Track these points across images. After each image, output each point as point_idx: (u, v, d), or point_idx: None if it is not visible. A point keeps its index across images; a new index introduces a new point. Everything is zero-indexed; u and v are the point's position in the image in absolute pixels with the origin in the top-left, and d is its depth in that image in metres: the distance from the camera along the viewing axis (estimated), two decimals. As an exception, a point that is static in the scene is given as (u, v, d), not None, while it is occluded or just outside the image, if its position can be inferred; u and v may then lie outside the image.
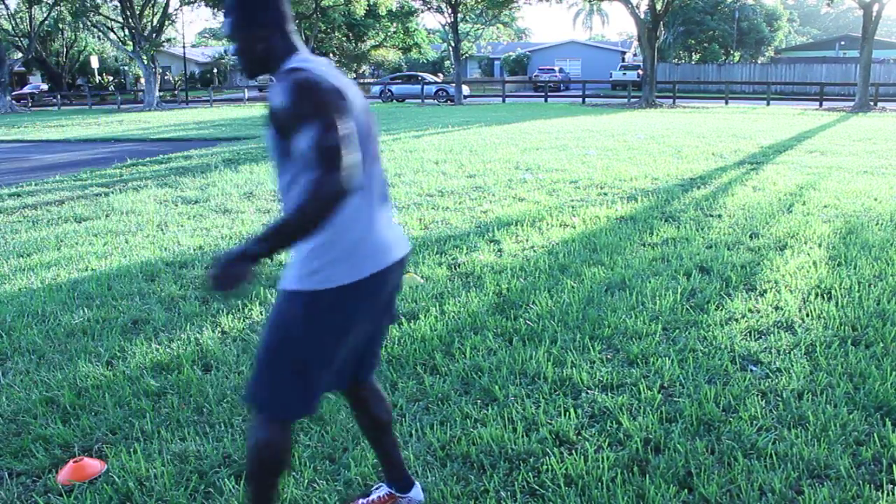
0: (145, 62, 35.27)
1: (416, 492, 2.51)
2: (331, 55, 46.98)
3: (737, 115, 23.11)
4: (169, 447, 2.96)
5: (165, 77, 51.74)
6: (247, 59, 2.09)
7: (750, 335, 4.03)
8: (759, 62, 49.94)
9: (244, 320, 4.43)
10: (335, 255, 2.01)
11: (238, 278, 1.87)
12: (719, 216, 7.09)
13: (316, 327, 2.03)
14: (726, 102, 30.08)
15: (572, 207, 7.63)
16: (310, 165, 1.85)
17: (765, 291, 4.74)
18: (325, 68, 2.03)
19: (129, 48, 36.79)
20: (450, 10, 33.72)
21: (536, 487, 2.63)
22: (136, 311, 4.64)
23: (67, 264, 5.87)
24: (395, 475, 2.47)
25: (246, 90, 40.63)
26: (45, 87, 49.06)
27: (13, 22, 41.13)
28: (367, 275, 2.04)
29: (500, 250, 5.95)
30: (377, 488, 2.56)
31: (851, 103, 26.41)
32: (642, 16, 31.43)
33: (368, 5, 38.50)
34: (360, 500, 2.53)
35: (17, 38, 41.44)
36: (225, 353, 3.91)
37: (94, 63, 46.58)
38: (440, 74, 51.01)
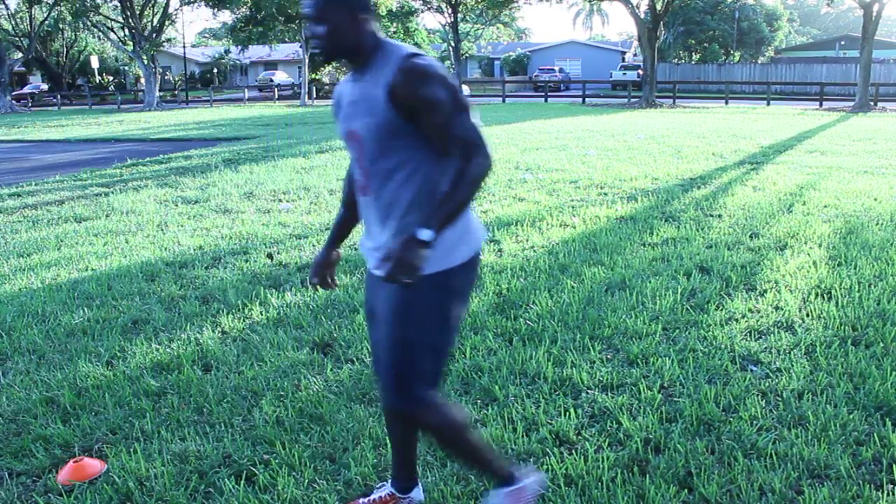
0: (145, 62, 35.29)
1: (418, 492, 2.51)
2: (331, 55, 47.03)
3: (737, 115, 23.12)
4: (169, 447, 2.96)
5: (165, 77, 51.77)
6: (336, 41, 2.03)
7: (750, 335, 4.03)
8: (760, 62, 49.95)
9: (244, 320, 4.43)
10: (457, 231, 2.07)
11: (415, 264, 1.85)
12: (719, 216, 7.09)
13: (448, 305, 2.10)
14: (726, 102, 30.08)
15: (572, 207, 7.63)
16: (451, 147, 1.94)
17: (765, 291, 4.74)
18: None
19: (130, 48, 36.81)
20: (450, 10, 33.76)
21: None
22: (136, 311, 4.64)
23: (67, 264, 5.87)
24: (404, 474, 2.47)
25: (246, 90, 40.64)
26: (45, 87, 49.10)
27: (13, 22, 41.16)
28: (477, 249, 2.14)
29: (500, 250, 5.95)
30: (379, 488, 2.56)
31: (851, 103, 26.42)
32: (642, 16, 31.43)
33: (368, 5, 38.46)
34: (361, 500, 2.53)
35: (17, 38, 41.47)
36: (225, 353, 3.91)
37: (95, 63, 46.60)
38: (440, 74, 50.98)
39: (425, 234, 1.86)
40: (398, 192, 2.06)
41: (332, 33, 2.02)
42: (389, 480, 2.53)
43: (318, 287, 2.50)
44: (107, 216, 7.84)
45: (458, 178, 1.90)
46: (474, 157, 1.92)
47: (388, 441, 2.46)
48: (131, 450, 2.95)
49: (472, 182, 1.91)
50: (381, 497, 2.50)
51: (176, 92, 45.95)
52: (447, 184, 1.92)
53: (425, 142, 2.01)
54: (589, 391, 3.37)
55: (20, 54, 43.16)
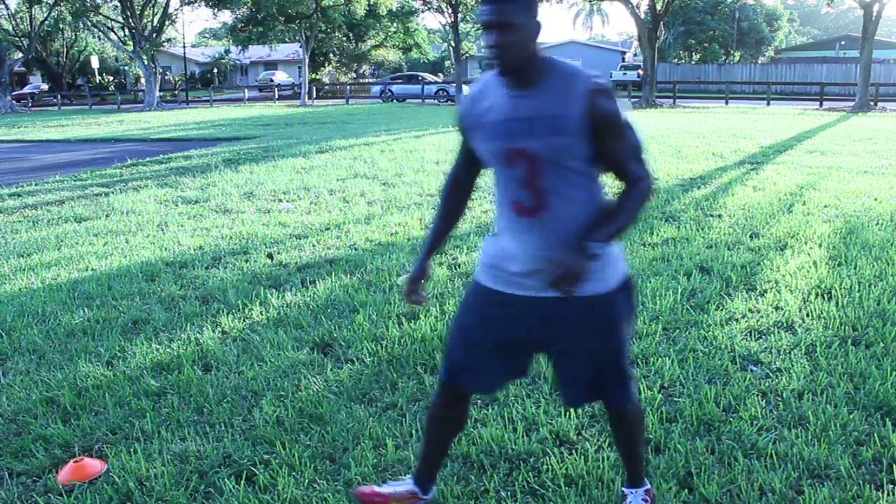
0: (145, 62, 35.29)
1: (433, 492, 2.52)
2: (331, 55, 47.01)
3: (737, 115, 23.12)
4: (169, 447, 2.96)
5: (165, 77, 51.77)
6: (521, 50, 1.92)
7: (750, 335, 4.03)
8: (760, 62, 49.94)
9: (244, 320, 4.43)
10: (619, 246, 2.18)
11: (581, 275, 1.89)
12: (719, 216, 7.09)
13: (634, 310, 2.23)
14: (726, 102, 30.08)
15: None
16: (628, 169, 2.03)
17: (765, 291, 4.74)
18: None
19: (130, 48, 36.82)
20: (450, 10, 33.73)
21: (537, 487, 2.63)
22: (136, 311, 4.64)
23: (67, 264, 5.87)
24: (430, 476, 2.49)
25: (246, 90, 40.65)
26: (45, 87, 49.10)
27: (13, 22, 41.15)
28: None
29: (500, 250, 5.94)
30: (399, 482, 2.54)
31: (852, 103, 26.40)
32: (642, 16, 31.43)
33: (369, 5, 38.49)
34: (378, 489, 2.49)
35: (17, 38, 41.47)
36: (225, 353, 3.91)
37: (95, 63, 46.61)
38: (440, 74, 51.03)
39: (597, 247, 1.92)
40: (575, 213, 2.04)
41: (519, 42, 1.91)
42: (413, 478, 2.49)
43: (415, 303, 2.45)
44: (107, 216, 7.84)
45: (631, 197, 2.02)
46: (644, 180, 2.04)
47: (425, 442, 2.43)
48: (131, 450, 2.95)
49: (642, 203, 2.03)
50: (403, 492, 2.47)
51: (176, 92, 45.95)
52: (619, 201, 2.02)
53: (595, 162, 2.05)
54: (589, 391, 3.36)
55: (20, 54, 43.17)
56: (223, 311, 4.57)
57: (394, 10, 41.11)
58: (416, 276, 2.38)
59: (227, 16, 46.68)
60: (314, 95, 36.95)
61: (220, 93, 46.50)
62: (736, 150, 12.46)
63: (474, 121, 2.10)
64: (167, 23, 37.42)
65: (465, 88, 35.08)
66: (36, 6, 39.40)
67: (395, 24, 42.49)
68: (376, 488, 2.51)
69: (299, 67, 42.98)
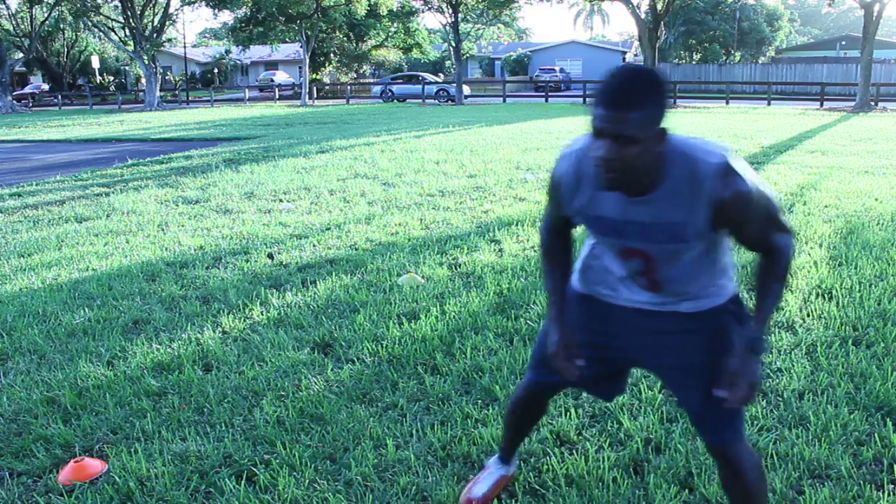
0: (146, 62, 35.30)
1: (515, 461, 2.64)
2: (332, 55, 47.00)
3: (738, 114, 23.11)
4: (170, 447, 2.97)
5: (166, 77, 51.78)
6: (636, 166, 1.66)
7: (751, 335, 4.02)
8: (760, 62, 49.93)
9: (245, 320, 4.44)
10: None
11: (759, 382, 1.85)
12: (720, 216, 7.08)
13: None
14: (727, 102, 30.07)
15: (573, 207, 7.62)
16: (770, 244, 1.85)
17: (765, 291, 4.73)
18: None
19: (130, 48, 36.84)
20: (450, 10, 33.73)
21: (537, 487, 2.63)
22: (136, 311, 4.64)
23: (68, 264, 5.87)
24: (512, 455, 2.59)
25: (247, 90, 40.65)
26: (45, 87, 49.11)
27: (14, 22, 41.17)
28: None
29: (500, 250, 5.95)
30: (489, 471, 2.59)
31: (852, 103, 26.40)
32: (643, 16, 31.44)
33: (369, 5, 38.50)
34: (477, 491, 2.53)
35: (17, 38, 41.49)
36: (226, 353, 3.91)
37: (95, 63, 46.64)
38: (441, 74, 51.03)
39: (761, 346, 1.84)
40: (687, 274, 1.92)
41: (637, 157, 1.64)
42: (497, 459, 2.60)
43: (571, 371, 2.08)
44: (107, 216, 7.85)
45: (776, 274, 1.85)
46: (786, 248, 1.85)
47: (507, 432, 2.54)
48: (132, 450, 2.95)
49: (788, 274, 1.87)
50: (495, 482, 2.56)
51: (177, 92, 45.95)
52: (766, 284, 1.85)
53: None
54: (589, 391, 3.36)
55: (21, 54, 43.18)
56: (224, 311, 4.58)
57: (394, 10, 41.10)
58: (566, 339, 2.07)
59: (227, 16, 46.72)
60: (315, 95, 36.96)
61: (220, 93, 46.52)
62: (737, 150, 12.45)
63: (576, 206, 1.92)
64: (168, 23, 37.43)
65: (466, 88, 35.12)
66: (37, 6, 39.41)
67: (395, 24, 42.49)
68: (474, 493, 2.52)
69: (300, 67, 43.00)
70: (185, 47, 48.74)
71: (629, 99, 1.59)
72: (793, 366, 3.58)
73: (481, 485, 2.55)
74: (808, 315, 4.31)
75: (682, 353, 1.99)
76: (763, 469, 2.10)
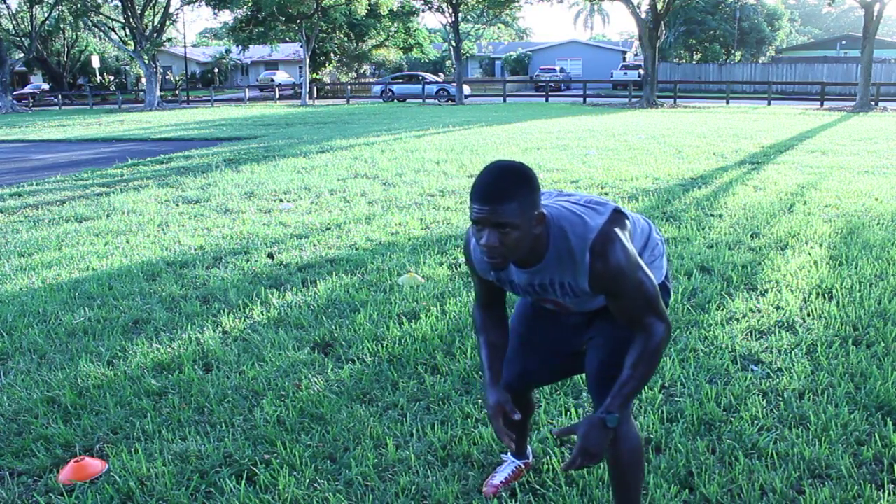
0: (146, 62, 35.30)
1: (528, 451, 2.73)
2: (332, 55, 46.99)
3: (738, 114, 23.11)
4: (170, 447, 2.97)
5: (166, 77, 51.78)
6: (517, 248, 1.82)
7: (751, 335, 4.03)
8: (761, 62, 49.92)
9: (245, 320, 4.44)
10: None
11: (600, 454, 1.91)
12: (720, 216, 7.09)
13: None
14: (727, 102, 30.07)
15: (573, 207, 7.62)
16: (637, 326, 1.96)
17: (766, 291, 4.74)
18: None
19: (131, 48, 36.84)
20: (451, 10, 33.72)
21: (538, 487, 2.63)
22: (137, 311, 4.64)
23: (68, 264, 5.88)
24: (521, 447, 2.67)
25: (247, 90, 40.65)
26: (46, 86, 49.10)
27: (14, 22, 41.17)
28: None
29: (500, 250, 5.94)
30: (503, 465, 2.67)
31: (852, 103, 26.39)
32: (643, 15, 31.41)
33: (369, 5, 38.49)
34: (493, 482, 2.61)
35: (18, 38, 41.48)
36: (226, 353, 3.91)
37: (95, 63, 46.61)
38: (441, 74, 51.02)
39: (612, 421, 1.89)
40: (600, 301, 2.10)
41: (517, 240, 1.80)
42: (510, 455, 2.69)
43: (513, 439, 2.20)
44: (108, 216, 7.85)
45: (643, 357, 1.89)
46: (657, 335, 1.90)
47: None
48: (132, 449, 2.95)
49: (656, 360, 1.90)
50: (513, 472, 2.64)
51: (177, 92, 45.96)
52: (629, 363, 1.91)
53: None
54: (590, 391, 3.36)
55: (21, 54, 43.18)
56: (224, 311, 4.58)
57: (394, 9, 41.08)
58: (503, 400, 2.11)
59: (227, 15, 46.65)
60: (315, 95, 36.94)
61: (220, 93, 46.51)
62: (737, 150, 12.45)
63: (492, 276, 2.11)
64: (168, 23, 37.42)
65: (466, 88, 35.12)
66: (37, 6, 39.40)
67: (395, 24, 42.46)
68: (493, 482, 2.61)
69: (300, 67, 43.01)
70: (185, 47, 48.72)
71: (501, 193, 1.76)
72: (793, 365, 3.58)
73: (499, 475, 2.64)
74: (809, 315, 4.31)
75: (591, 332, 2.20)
76: (639, 454, 2.15)
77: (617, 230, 1.89)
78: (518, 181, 1.78)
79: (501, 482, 2.62)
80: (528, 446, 2.75)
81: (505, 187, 1.76)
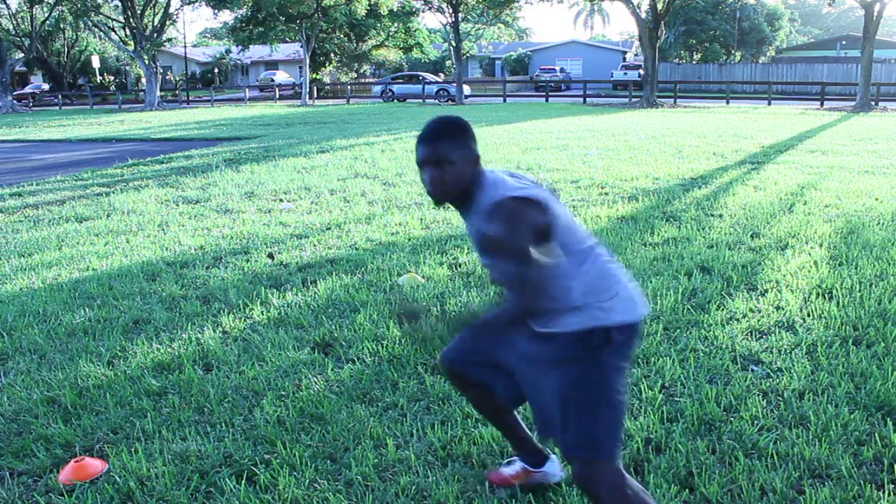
0: (146, 62, 35.30)
1: (551, 467, 2.60)
2: (332, 55, 46.99)
3: (738, 114, 23.10)
4: (170, 447, 2.97)
5: (166, 77, 51.78)
6: (452, 184, 2.09)
7: (751, 335, 4.03)
8: (761, 62, 49.91)
9: (245, 320, 4.44)
10: None
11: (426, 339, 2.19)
12: (720, 216, 7.08)
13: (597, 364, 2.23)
14: (727, 102, 30.06)
15: (573, 207, 7.62)
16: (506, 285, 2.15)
17: (766, 291, 4.74)
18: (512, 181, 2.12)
19: (131, 48, 36.84)
20: (451, 10, 33.71)
21: (537, 487, 2.63)
22: (137, 311, 4.64)
23: (68, 264, 5.87)
24: (524, 451, 2.59)
25: (247, 90, 40.64)
26: (46, 86, 49.09)
27: (14, 22, 41.17)
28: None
29: (500, 250, 5.94)
30: (509, 463, 2.65)
31: (853, 103, 26.38)
32: (643, 15, 31.41)
33: (369, 5, 38.47)
34: (497, 474, 2.62)
35: (18, 38, 41.48)
36: (226, 353, 3.91)
37: (96, 63, 46.61)
38: (441, 74, 51.01)
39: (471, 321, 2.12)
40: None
41: (453, 176, 2.07)
42: (518, 455, 2.63)
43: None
44: (108, 216, 7.85)
45: (498, 311, 2.07)
46: (510, 307, 2.02)
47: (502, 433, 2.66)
48: (132, 449, 2.95)
49: (502, 318, 2.06)
50: (515, 472, 2.61)
51: (177, 92, 45.94)
52: (496, 309, 2.10)
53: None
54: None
55: (21, 54, 43.18)
56: (224, 311, 4.58)
57: (394, 9, 41.07)
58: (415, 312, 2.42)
59: (227, 15, 46.65)
60: (315, 95, 36.93)
61: (220, 93, 46.50)
62: (737, 150, 12.45)
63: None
64: (168, 23, 37.43)
65: (466, 88, 35.11)
66: (37, 6, 39.42)
67: (395, 24, 42.46)
68: (499, 472, 2.64)
69: (300, 67, 43.00)
70: (185, 47, 48.72)
71: (437, 134, 2.09)
72: (793, 365, 3.58)
73: (508, 468, 2.64)
74: (809, 315, 4.31)
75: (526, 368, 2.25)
76: (620, 490, 2.04)
77: (521, 207, 1.98)
78: (453, 127, 2.09)
79: (507, 475, 2.62)
80: (541, 454, 2.61)
81: (441, 130, 2.09)
